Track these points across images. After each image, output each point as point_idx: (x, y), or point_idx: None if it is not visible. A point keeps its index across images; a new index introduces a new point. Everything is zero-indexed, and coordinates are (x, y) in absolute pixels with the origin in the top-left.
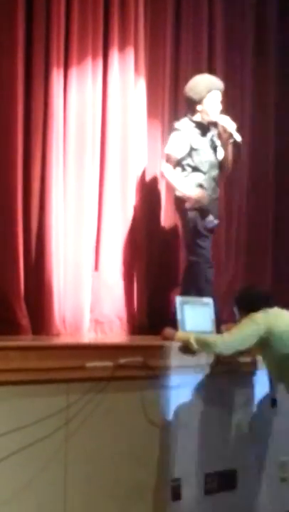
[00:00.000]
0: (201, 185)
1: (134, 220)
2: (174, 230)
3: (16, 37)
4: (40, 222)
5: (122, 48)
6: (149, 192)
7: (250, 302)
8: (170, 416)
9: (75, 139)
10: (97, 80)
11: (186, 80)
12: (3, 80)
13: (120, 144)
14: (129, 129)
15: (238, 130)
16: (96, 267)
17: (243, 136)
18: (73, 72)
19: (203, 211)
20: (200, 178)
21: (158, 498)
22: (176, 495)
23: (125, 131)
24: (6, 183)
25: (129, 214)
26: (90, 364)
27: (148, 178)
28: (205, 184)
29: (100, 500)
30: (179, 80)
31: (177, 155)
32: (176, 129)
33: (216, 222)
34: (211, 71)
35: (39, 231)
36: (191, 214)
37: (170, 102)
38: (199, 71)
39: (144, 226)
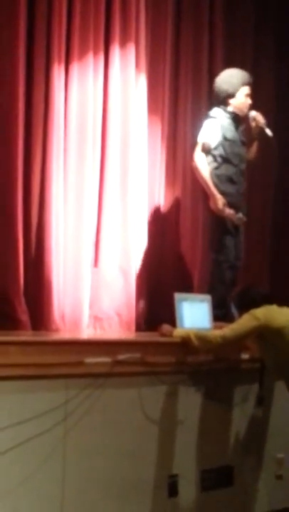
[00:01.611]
0: (231, 179)
1: (134, 216)
2: (174, 226)
3: (17, 32)
4: (40, 218)
5: (123, 44)
6: (149, 188)
7: (249, 301)
8: (168, 412)
9: (75, 135)
10: (98, 75)
11: (187, 76)
12: (4, 75)
13: (121, 140)
14: (130, 125)
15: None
16: (95, 264)
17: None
18: (74, 67)
19: (231, 208)
20: (231, 170)
21: (155, 494)
22: (173, 491)
23: (126, 128)
24: (6, 179)
25: (129, 210)
26: (88, 360)
27: (148, 174)
28: (235, 178)
29: (97, 495)
30: (179, 77)
31: (211, 143)
32: (210, 117)
33: (244, 219)
34: (212, 68)
35: (39, 227)
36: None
37: (170, 99)
38: (200, 68)
39: (144, 222)
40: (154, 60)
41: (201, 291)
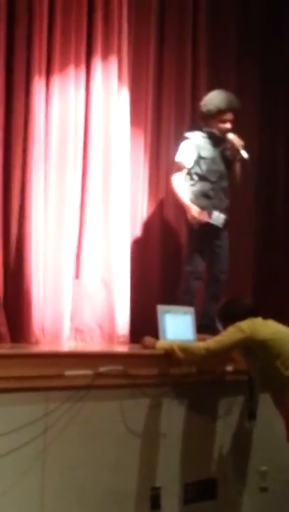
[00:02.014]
0: (206, 195)
1: (116, 228)
2: (155, 238)
3: None
4: (20, 229)
5: (105, 56)
6: (131, 200)
7: (234, 314)
8: (150, 425)
9: (57, 148)
10: (80, 88)
11: (170, 90)
12: None
13: (103, 153)
14: (112, 138)
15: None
16: (77, 275)
17: None
18: (55, 80)
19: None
20: (206, 187)
21: (137, 507)
22: (156, 504)
23: (108, 140)
24: None
25: (111, 222)
26: (69, 372)
27: (131, 186)
28: (211, 194)
29: (77, 509)
30: (162, 90)
31: (187, 163)
32: (185, 138)
33: (223, 216)
34: (195, 81)
35: (19, 238)
36: (194, 225)
37: (153, 112)
38: (182, 81)
39: (126, 234)
40: (137, 73)
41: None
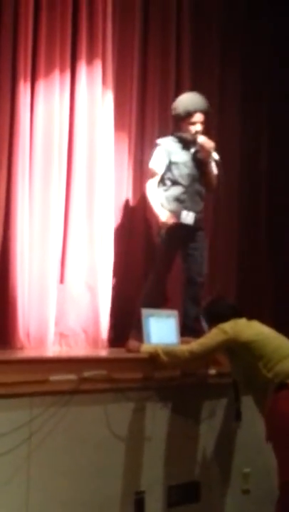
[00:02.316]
0: (178, 199)
1: (101, 233)
2: (140, 243)
3: None
4: (5, 234)
5: (89, 61)
6: (115, 205)
7: (218, 314)
8: (134, 429)
9: (41, 152)
10: (65, 93)
11: (154, 94)
12: None
13: (87, 157)
14: (97, 143)
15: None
16: (61, 280)
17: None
18: (40, 85)
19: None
20: (178, 191)
21: (122, 511)
22: (140, 508)
23: (92, 145)
24: None
25: (96, 227)
26: (53, 377)
27: (115, 191)
28: (184, 197)
29: None
30: (146, 94)
31: (159, 170)
32: (157, 144)
33: (192, 214)
34: (179, 85)
35: (4, 243)
36: (162, 232)
37: (137, 116)
38: (166, 85)
39: (110, 239)
40: (121, 77)
41: (168, 306)
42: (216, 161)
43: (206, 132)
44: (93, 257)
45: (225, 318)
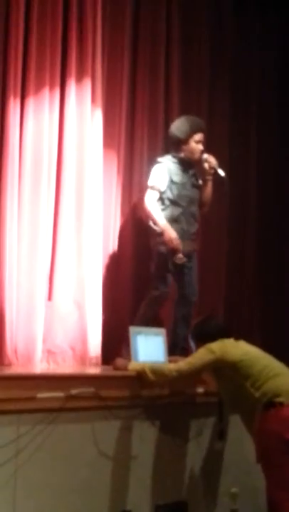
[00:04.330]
0: (175, 220)
1: (89, 250)
2: (129, 260)
3: None
4: None
5: (79, 78)
6: (104, 222)
7: (206, 334)
8: (121, 447)
9: (30, 169)
10: (54, 110)
11: (143, 111)
12: None
13: (76, 175)
14: (85, 160)
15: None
16: (49, 297)
17: None
18: (30, 102)
19: (173, 248)
20: (176, 211)
21: None
22: None
23: (81, 162)
24: None
25: (84, 244)
26: (41, 395)
27: (104, 208)
28: (181, 219)
29: None
30: (135, 112)
31: (161, 187)
32: (157, 162)
33: (184, 259)
34: (168, 104)
35: None
36: (162, 249)
37: (126, 134)
38: (156, 104)
39: (98, 256)
40: (111, 95)
41: (156, 324)
42: (222, 178)
43: None
44: (81, 274)
45: (213, 338)
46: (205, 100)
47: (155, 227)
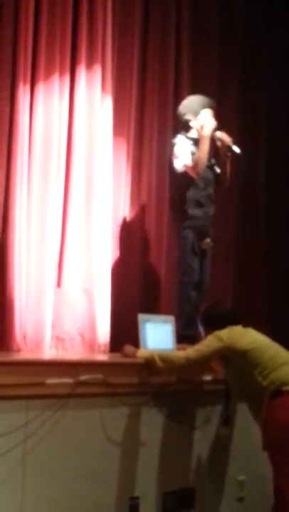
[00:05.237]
0: (199, 202)
1: (98, 237)
2: (138, 247)
3: None
4: (3, 237)
5: (89, 65)
6: (113, 209)
7: (215, 320)
8: (130, 434)
9: (40, 156)
10: (64, 96)
11: (153, 98)
12: None
13: (86, 161)
14: (95, 147)
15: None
16: (58, 284)
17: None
18: (40, 88)
19: (200, 232)
20: (198, 194)
21: None
22: None
23: (91, 149)
24: None
25: (93, 231)
26: (50, 381)
27: (113, 195)
28: (202, 201)
29: None
30: (145, 99)
31: (188, 161)
32: (176, 144)
33: (211, 244)
34: (178, 91)
35: (1, 247)
36: (188, 233)
37: (136, 121)
38: (165, 90)
39: (108, 243)
40: (121, 82)
41: (165, 312)
42: (237, 155)
43: None
44: (91, 261)
45: (221, 323)
46: (214, 87)
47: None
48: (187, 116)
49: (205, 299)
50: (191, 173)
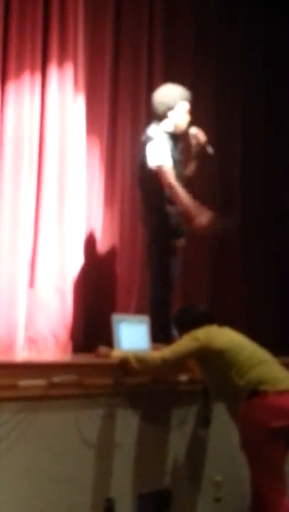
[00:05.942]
0: (171, 201)
1: (71, 236)
2: (112, 246)
3: None
4: None
5: (60, 63)
6: (87, 208)
7: (190, 322)
8: (104, 435)
9: (11, 155)
10: (35, 95)
11: (125, 96)
12: None
13: (58, 160)
14: (68, 145)
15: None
16: (31, 284)
17: None
18: (11, 87)
19: (174, 230)
20: None
21: None
22: None
23: (63, 148)
24: None
25: (66, 230)
26: (22, 382)
27: (86, 194)
28: None
29: None
30: (118, 97)
31: (169, 164)
32: (151, 138)
33: (184, 242)
34: (150, 87)
35: None
36: (163, 232)
37: (109, 119)
38: (139, 88)
39: (80, 243)
40: (93, 80)
41: (139, 312)
42: (210, 156)
43: None
44: (63, 261)
45: (196, 325)
46: (189, 84)
47: (182, 206)
48: (164, 107)
49: (176, 296)
50: (160, 178)
